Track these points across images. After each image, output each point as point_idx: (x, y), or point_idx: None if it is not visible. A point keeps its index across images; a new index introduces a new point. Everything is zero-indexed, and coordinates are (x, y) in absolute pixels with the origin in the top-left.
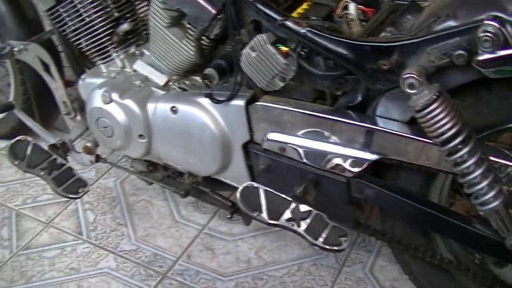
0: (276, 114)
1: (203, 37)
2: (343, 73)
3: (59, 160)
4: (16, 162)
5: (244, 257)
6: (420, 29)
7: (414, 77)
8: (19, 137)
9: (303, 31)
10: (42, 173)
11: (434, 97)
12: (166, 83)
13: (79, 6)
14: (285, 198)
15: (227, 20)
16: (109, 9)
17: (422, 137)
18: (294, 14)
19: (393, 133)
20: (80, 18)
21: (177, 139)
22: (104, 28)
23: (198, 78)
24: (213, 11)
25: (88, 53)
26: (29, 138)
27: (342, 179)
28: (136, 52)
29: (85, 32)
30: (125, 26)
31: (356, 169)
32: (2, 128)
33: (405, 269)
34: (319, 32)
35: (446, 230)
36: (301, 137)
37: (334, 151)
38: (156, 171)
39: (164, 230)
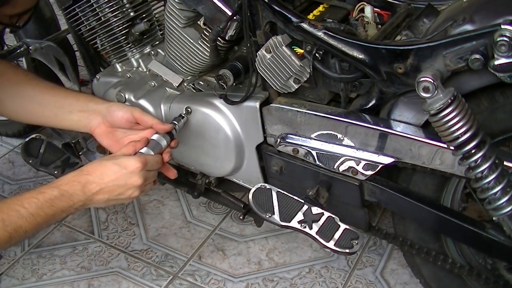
0: (290, 116)
1: (219, 38)
2: (358, 75)
3: (73, 159)
4: (30, 160)
5: (255, 259)
6: (436, 33)
7: (429, 80)
8: (33, 135)
9: (319, 33)
10: (55, 171)
11: (449, 101)
12: (181, 84)
13: (95, 5)
14: (297, 200)
15: (242, 21)
16: (125, 9)
17: (436, 141)
18: (310, 16)
19: (407, 136)
20: (96, 17)
21: (191, 140)
22: (120, 27)
23: (212, 79)
24: (229, 12)
25: (103, 52)
26: (43, 137)
27: (355, 182)
28: (151, 52)
29: (101, 32)
30: (141, 26)
31: (369, 172)
32: (16, 126)
33: (416, 272)
34: (335, 35)
35: (458, 235)
36: (314, 139)
37: (347, 154)
38: None
39: (175, 230)
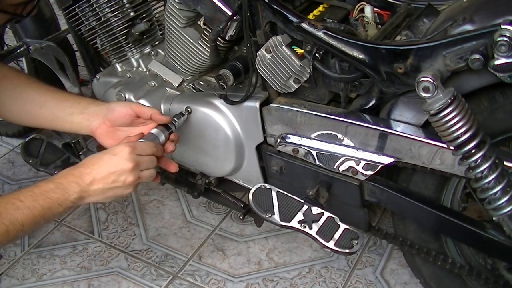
0: (290, 116)
1: (219, 38)
2: (358, 75)
3: (73, 159)
4: (30, 160)
5: (255, 259)
6: (436, 33)
7: (429, 80)
8: (33, 135)
9: (319, 33)
10: (55, 171)
11: (449, 101)
12: (181, 84)
13: (95, 5)
14: (297, 200)
15: (242, 21)
16: (125, 9)
17: (436, 141)
18: (310, 16)
19: (407, 136)
20: (96, 17)
21: (191, 140)
22: (120, 27)
23: (212, 79)
24: (229, 12)
25: (103, 52)
26: (43, 137)
27: (355, 182)
28: (151, 52)
29: (101, 32)
30: (141, 26)
31: (369, 172)
32: (16, 126)
33: (416, 273)
34: (334, 35)
35: (458, 235)
36: (314, 139)
37: (347, 154)
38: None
39: (175, 230)
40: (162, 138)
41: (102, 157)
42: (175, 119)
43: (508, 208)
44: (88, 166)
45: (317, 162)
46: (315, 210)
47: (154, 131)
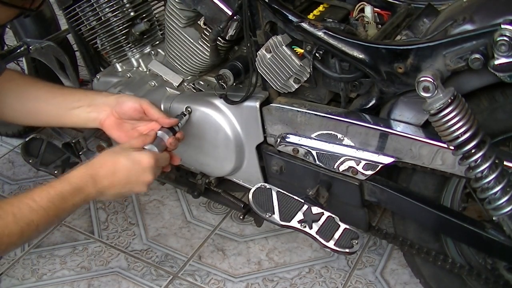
0: (290, 115)
1: (219, 38)
2: (358, 75)
3: (73, 159)
4: (30, 160)
5: (255, 259)
6: (436, 33)
7: (429, 80)
8: (33, 135)
9: (319, 33)
10: (56, 171)
11: (449, 100)
12: (181, 84)
13: (96, 5)
14: (297, 199)
15: (243, 21)
16: (125, 8)
17: (436, 141)
18: (310, 16)
19: (407, 136)
20: (96, 17)
21: (191, 140)
22: (120, 27)
23: (212, 79)
24: (229, 12)
25: (103, 52)
26: (43, 136)
27: (355, 181)
28: (152, 52)
29: (101, 32)
30: (141, 26)
31: (369, 172)
32: (16, 126)
33: (416, 272)
34: (335, 35)
35: (459, 235)
36: (314, 139)
37: (347, 154)
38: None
39: (175, 230)
40: (166, 138)
41: (124, 164)
42: (177, 119)
43: (508, 208)
44: (108, 170)
45: (317, 162)
46: (315, 210)
47: (160, 133)
